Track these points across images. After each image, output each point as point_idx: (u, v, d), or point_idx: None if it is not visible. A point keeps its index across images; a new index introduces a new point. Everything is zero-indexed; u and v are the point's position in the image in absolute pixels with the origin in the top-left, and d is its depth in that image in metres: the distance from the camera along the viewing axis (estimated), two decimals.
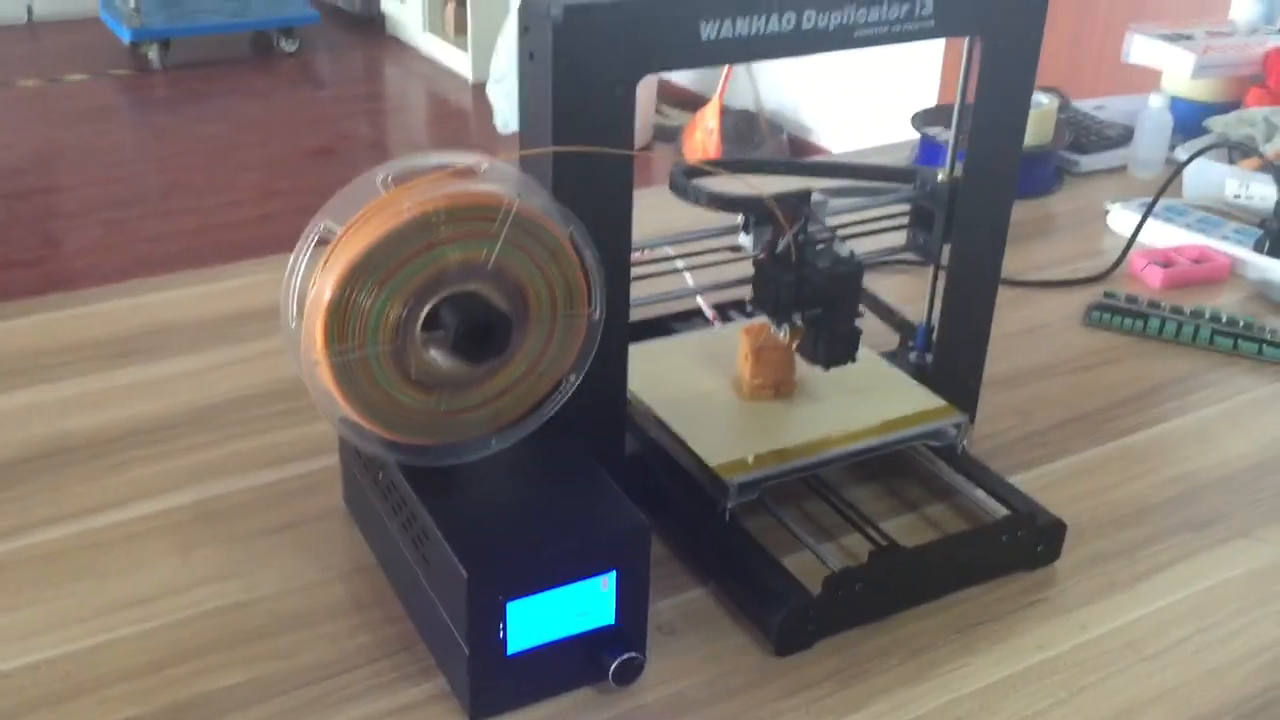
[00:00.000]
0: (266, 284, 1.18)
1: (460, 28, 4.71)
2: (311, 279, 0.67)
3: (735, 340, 0.92)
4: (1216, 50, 1.61)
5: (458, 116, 4.52)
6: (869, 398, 0.91)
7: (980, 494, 0.87)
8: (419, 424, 0.71)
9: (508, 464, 0.75)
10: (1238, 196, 1.42)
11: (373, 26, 5.31)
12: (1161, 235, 1.33)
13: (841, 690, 0.74)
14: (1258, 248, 1.28)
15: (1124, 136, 1.57)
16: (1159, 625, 0.80)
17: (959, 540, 0.83)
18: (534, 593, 0.68)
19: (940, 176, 0.93)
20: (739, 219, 0.89)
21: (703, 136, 3.67)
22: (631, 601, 0.72)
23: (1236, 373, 1.11)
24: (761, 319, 0.88)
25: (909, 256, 0.98)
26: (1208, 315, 1.17)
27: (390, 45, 5.18)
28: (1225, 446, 1.00)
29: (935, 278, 0.97)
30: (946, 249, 0.93)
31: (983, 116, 0.88)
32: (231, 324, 1.11)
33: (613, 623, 0.72)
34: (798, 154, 3.93)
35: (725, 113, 3.70)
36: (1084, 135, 1.56)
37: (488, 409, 0.72)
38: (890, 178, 0.97)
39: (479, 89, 4.44)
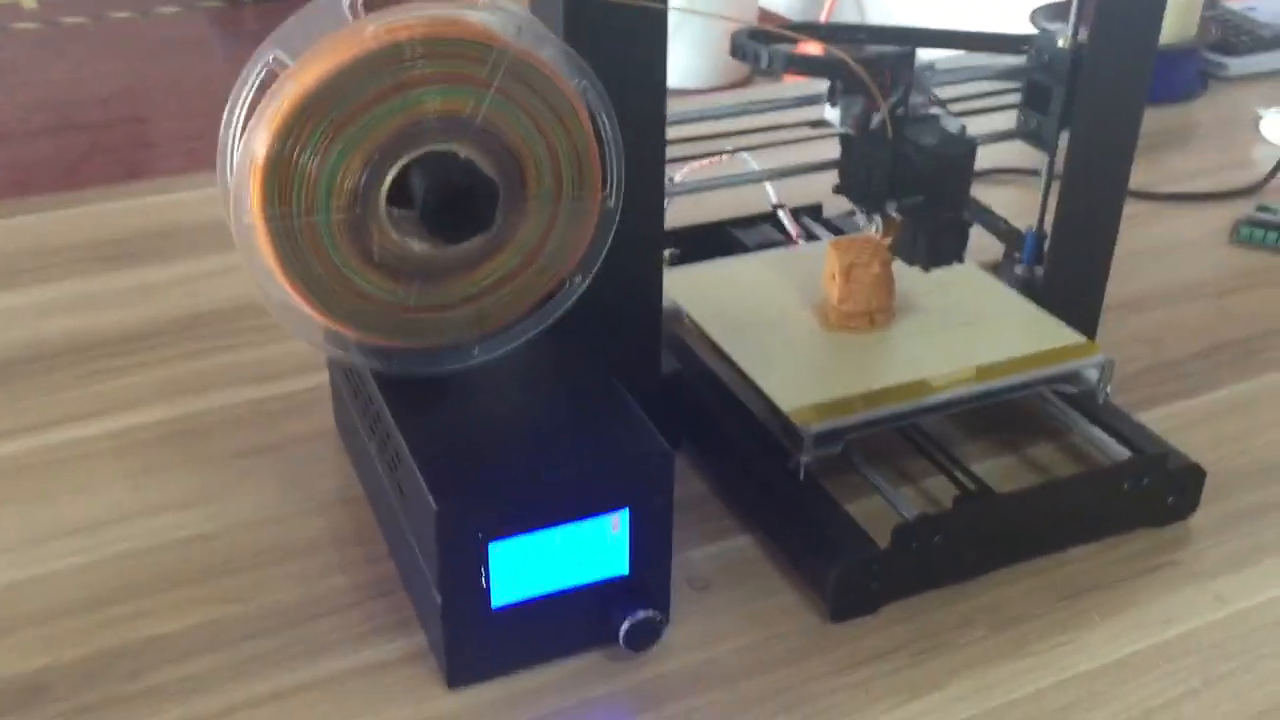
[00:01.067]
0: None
1: None
2: (248, 122, 0.54)
3: (819, 258, 0.76)
4: None
5: None
6: (984, 329, 0.74)
7: (1097, 432, 0.71)
8: (382, 319, 0.57)
9: (505, 378, 0.61)
10: None
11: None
12: None
13: (912, 667, 0.59)
14: None
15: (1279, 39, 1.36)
16: None
17: (1069, 486, 0.67)
18: (524, 532, 0.55)
19: (1061, 42, 0.76)
20: (824, 88, 0.73)
21: None
22: (650, 547, 0.58)
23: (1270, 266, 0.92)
24: (854, 232, 0.72)
25: (1012, 164, 0.81)
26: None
27: None
28: None
29: (1049, 172, 0.80)
30: (1065, 136, 0.77)
31: None
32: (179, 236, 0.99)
33: (626, 573, 0.58)
34: None
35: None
36: (1233, 34, 1.36)
37: (471, 308, 0.58)
38: (1001, 47, 0.80)
39: None
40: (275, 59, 0.54)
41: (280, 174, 0.52)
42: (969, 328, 0.74)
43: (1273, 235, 0.99)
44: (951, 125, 0.70)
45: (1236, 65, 1.33)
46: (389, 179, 0.54)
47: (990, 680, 0.58)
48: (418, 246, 0.56)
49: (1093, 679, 0.58)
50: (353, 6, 0.54)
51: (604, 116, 0.57)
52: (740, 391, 0.69)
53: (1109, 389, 0.72)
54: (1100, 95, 0.75)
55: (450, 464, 0.55)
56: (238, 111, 0.55)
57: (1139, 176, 0.79)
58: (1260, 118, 1.21)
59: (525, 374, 0.62)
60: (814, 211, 0.93)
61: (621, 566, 0.58)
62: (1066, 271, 0.80)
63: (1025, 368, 0.71)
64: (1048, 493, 0.66)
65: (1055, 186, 0.78)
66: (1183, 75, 1.28)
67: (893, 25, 0.85)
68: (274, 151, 0.52)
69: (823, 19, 3.52)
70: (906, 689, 0.58)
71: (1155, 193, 1.07)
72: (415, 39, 0.52)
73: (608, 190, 0.59)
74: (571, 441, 0.57)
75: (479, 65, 0.54)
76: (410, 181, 0.54)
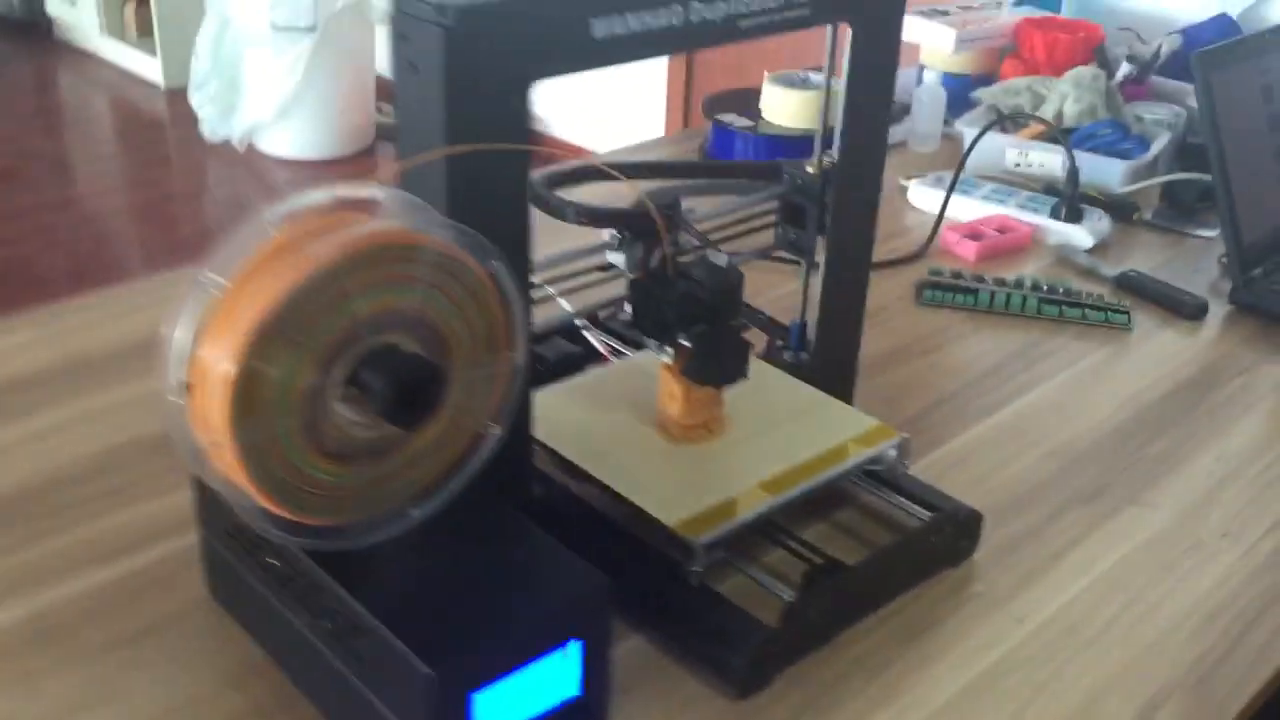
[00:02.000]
0: (34, 343, 1.02)
1: (145, 29, 4.36)
2: (201, 343, 0.56)
3: (632, 375, 0.85)
4: (972, 24, 1.66)
5: (151, 126, 4.19)
6: (799, 424, 0.85)
7: (889, 494, 0.85)
8: (335, 502, 0.61)
9: (422, 532, 0.66)
10: (1018, 165, 1.47)
11: (38, 31, 4.84)
12: (959, 208, 1.36)
13: None
14: (1054, 215, 1.33)
15: (898, 111, 1.60)
16: (1088, 607, 0.80)
17: (899, 547, 0.80)
18: (499, 678, 0.60)
19: (809, 168, 0.90)
20: (608, 235, 0.82)
21: None
22: (595, 668, 0.65)
23: (1067, 339, 1.14)
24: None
25: (782, 254, 0.94)
26: (1029, 284, 1.19)
27: (62, 52, 4.73)
28: (1082, 415, 1.02)
29: (808, 274, 0.94)
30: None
31: (853, 103, 0.86)
32: (5, 395, 0.95)
33: (578, 693, 0.65)
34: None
35: None
36: None
37: (407, 475, 0.63)
38: (755, 175, 0.93)
39: (175, 95, 4.13)
40: (209, 280, 0.57)
41: (245, 391, 0.55)
42: (786, 424, 0.85)
43: (949, 295, 1.18)
44: (719, 259, 0.82)
45: None
46: (339, 378, 0.58)
47: None
48: (363, 433, 0.60)
49: (955, 708, 0.71)
50: (275, 224, 0.58)
51: (510, 286, 0.64)
52: (611, 510, 0.77)
53: (907, 463, 0.86)
54: (847, 205, 0.89)
55: (422, 627, 0.59)
56: (179, 335, 0.56)
57: None
58: (905, 187, 1.42)
59: (433, 525, 0.67)
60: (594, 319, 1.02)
61: (575, 688, 0.64)
62: (830, 353, 0.94)
63: (845, 456, 0.82)
64: (885, 556, 0.78)
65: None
66: None
67: (665, 161, 0.96)
68: (242, 371, 0.54)
69: None
70: None
71: None
72: (357, 252, 0.56)
73: (514, 348, 0.65)
74: (519, 585, 0.63)
75: (405, 263, 0.59)
76: (361, 378, 0.58)
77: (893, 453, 0.84)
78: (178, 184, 3.77)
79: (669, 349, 0.81)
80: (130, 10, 4.46)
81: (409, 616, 0.60)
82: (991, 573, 0.82)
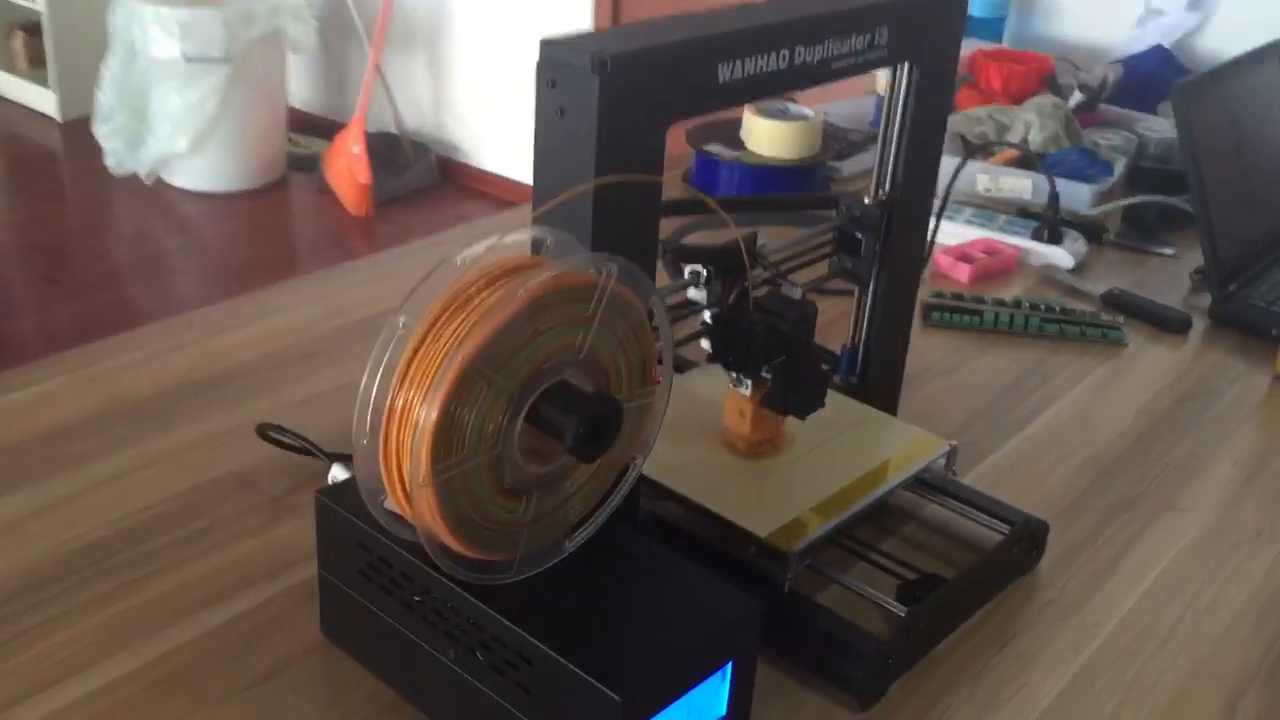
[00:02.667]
0: (64, 390, 1.00)
1: (36, 61, 4.23)
2: (394, 385, 0.57)
3: (680, 394, 0.87)
4: None
5: (46, 160, 4.06)
6: (856, 439, 0.89)
7: (955, 505, 0.89)
8: (507, 537, 0.62)
9: (569, 561, 0.67)
10: (988, 190, 1.54)
11: None
12: (944, 233, 1.42)
13: None
14: (1036, 237, 1.39)
15: (868, 139, 1.66)
16: (1154, 608, 0.85)
17: (989, 560, 0.84)
18: (670, 704, 0.62)
19: (866, 200, 0.94)
20: (688, 273, 0.85)
21: (348, 162, 3.51)
22: (741, 687, 0.67)
23: (1071, 356, 1.20)
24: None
25: (836, 285, 0.98)
26: (1027, 305, 1.25)
27: None
28: (1103, 427, 1.07)
29: (861, 301, 0.97)
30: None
31: (915, 139, 0.90)
32: (55, 445, 0.93)
33: (724, 713, 0.67)
34: (449, 175, 3.85)
35: (365, 136, 3.56)
36: (835, 143, 1.64)
37: (568, 508, 0.65)
38: (816, 206, 0.96)
39: (72, 127, 4.01)
40: (401, 323, 0.58)
41: (445, 434, 0.56)
42: (843, 438, 0.89)
43: (956, 317, 1.23)
44: (793, 292, 0.85)
45: (846, 167, 1.60)
46: (521, 416, 0.59)
47: None
48: (536, 468, 0.61)
49: (1058, 710, 0.75)
50: (463, 263, 0.59)
51: (665, 323, 0.66)
52: (692, 525, 0.80)
53: (955, 469, 0.90)
54: (904, 235, 0.93)
55: (596, 655, 0.61)
56: (378, 377, 0.57)
57: None
58: None
59: (577, 555, 0.68)
60: None
61: (721, 708, 0.67)
62: (879, 378, 0.97)
63: (904, 465, 0.87)
64: (979, 568, 0.82)
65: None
66: (813, 183, 1.53)
67: (734, 197, 0.99)
68: (443, 416, 0.55)
69: (358, 113, 3.58)
70: None
71: None
72: (554, 292, 0.58)
73: (664, 381, 0.67)
74: (677, 611, 0.65)
75: (585, 303, 0.60)
76: (546, 415, 0.59)
77: (942, 461, 0.88)
78: (76, 220, 3.66)
79: (748, 380, 0.84)
80: (19, 41, 4.33)
81: (581, 645, 0.62)
82: (1059, 580, 0.87)
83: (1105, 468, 1.01)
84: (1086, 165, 1.52)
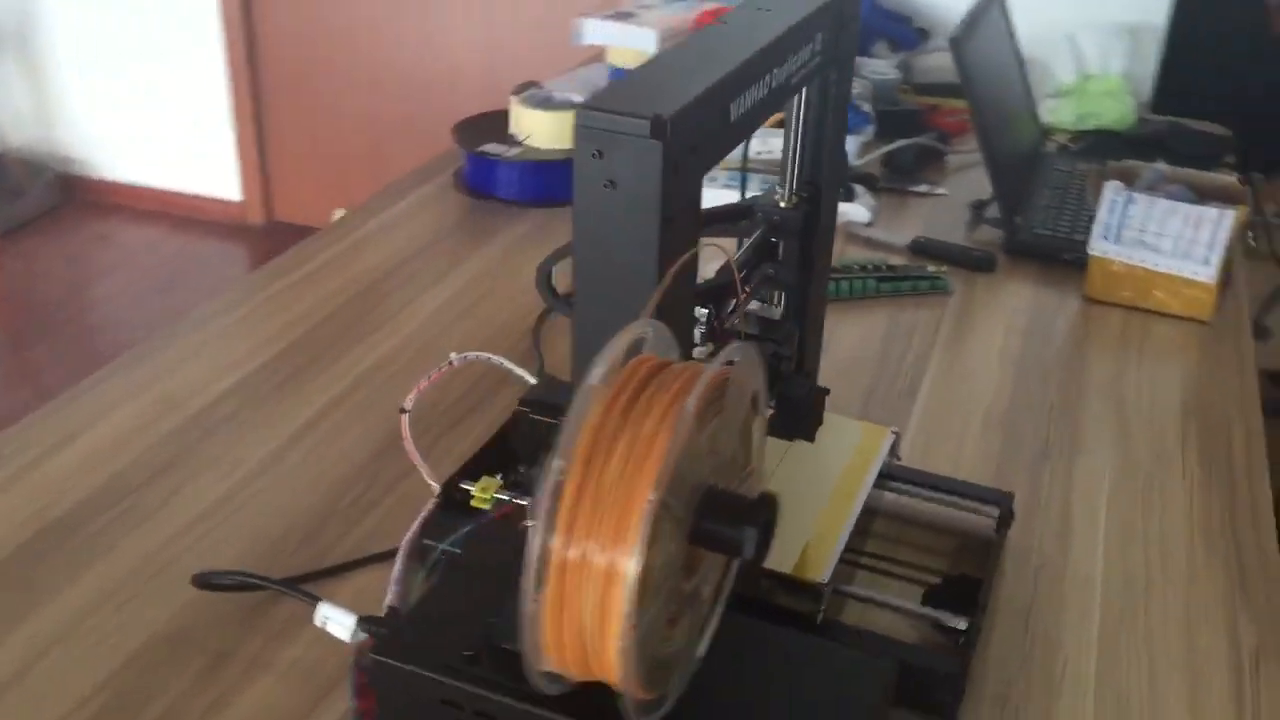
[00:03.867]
0: None
1: None
2: (563, 535, 0.49)
3: None
4: (663, 22, 1.72)
5: None
6: (816, 448, 0.88)
7: (913, 489, 0.90)
8: (665, 667, 0.56)
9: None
10: (759, 153, 1.55)
11: None
12: (727, 200, 1.42)
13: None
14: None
15: None
16: (1121, 555, 0.90)
17: (993, 547, 0.85)
18: None
19: (781, 204, 0.92)
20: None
21: None
22: None
23: (911, 312, 1.24)
24: None
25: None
26: (857, 268, 1.28)
27: None
28: (978, 380, 1.12)
29: (789, 306, 0.95)
30: None
31: (827, 136, 0.88)
32: None
33: None
34: (73, 192, 3.45)
35: None
36: None
37: (696, 615, 0.59)
38: (729, 219, 0.93)
39: None
40: (558, 468, 0.50)
41: (644, 583, 0.49)
42: (796, 448, 0.88)
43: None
44: (772, 312, 0.83)
45: None
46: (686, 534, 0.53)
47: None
48: (687, 587, 0.55)
49: (1105, 688, 0.78)
50: (604, 379, 0.51)
51: (761, 403, 0.61)
52: None
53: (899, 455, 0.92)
54: (821, 231, 0.91)
55: None
56: (541, 536, 0.49)
57: None
58: None
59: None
60: None
61: None
62: (810, 374, 0.96)
63: (868, 461, 0.87)
64: (992, 558, 0.83)
65: None
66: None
67: None
68: (644, 566, 0.48)
69: None
70: None
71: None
72: (711, 397, 0.52)
73: (754, 462, 0.62)
74: (823, 688, 0.61)
75: (721, 401, 0.55)
76: (714, 533, 0.53)
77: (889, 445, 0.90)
78: None
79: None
80: None
81: None
82: (1030, 541, 0.90)
83: (1003, 422, 1.05)
84: (850, 117, 1.56)
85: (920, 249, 1.35)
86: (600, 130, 0.57)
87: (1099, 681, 0.78)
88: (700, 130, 0.61)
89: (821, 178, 0.89)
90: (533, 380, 0.91)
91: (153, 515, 0.88)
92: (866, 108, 1.65)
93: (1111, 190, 1.23)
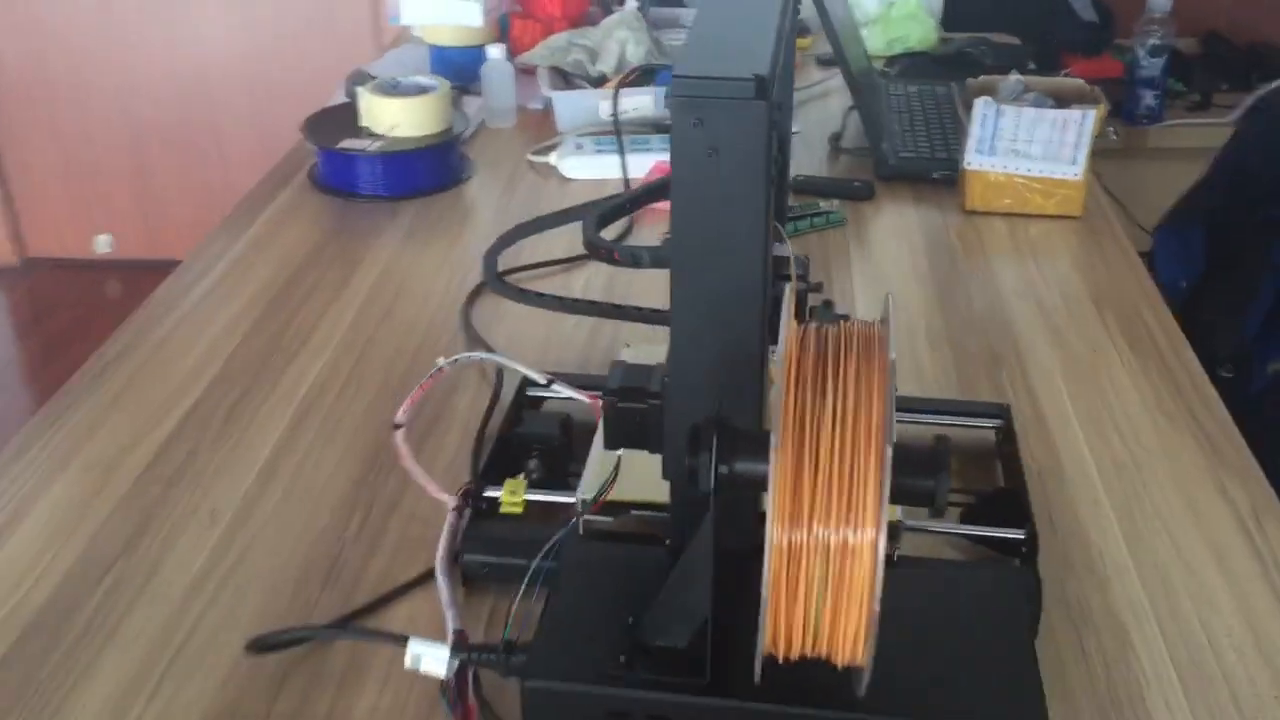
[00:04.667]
0: None
1: None
2: (787, 521, 0.48)
3: None
4: None
5: None
6: None
7: (926, 417, 0.93)
8: None
9: None
10: (625, 112, 1.54)
11: None
12: (609, 167, 1.41)
13: None
14: None
15: (457, 96, 1.58)
16: (1117, 475, 0.95)
17: (1011, 454, 0.88)
18: None
19: None
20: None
21: None
22: None
23: (820, 249, 1.26)
24: None
25: None
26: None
27: None
28: (911, 305, 1.15)
29: None
30: None
31: (784, 74, 0.88)
32: None
33: None
34: None
35: None
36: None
37: None
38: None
39: None
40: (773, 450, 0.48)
41: None
42: None
43: None
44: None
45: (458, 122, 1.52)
46: None
47: None
48: None
49: (1166, 616, 0.83)
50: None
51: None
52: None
53: None
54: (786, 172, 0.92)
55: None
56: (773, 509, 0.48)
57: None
58: (537, 162, 1.44)
59: None
60: None
61: None
62: None
63: None
64: (1014, 470, 0.86)
65: None
66: (454, 156, 1.43)
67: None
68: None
69: None
70: None
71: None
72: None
73: None
74: (982, 616, 0.62)
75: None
76: (909, 486, 0.53)
77: None
78: None
79: None
80: None
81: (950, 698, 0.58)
82: (1019, 447, 0.94)
83: (947, 339, 1.09)
84: None
85: (803, 186, 1.38)
86: (700, 98, 0.56)
87: (1136, 561, 0.82)
88: (778, 88, 0.60)
89: (782, 118, 0.90)
90: (538, 377, 0.87)
91: (146, 586, 0.81)
92: None
93: (981, 105, 1.28)
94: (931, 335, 1.10)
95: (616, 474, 0.70)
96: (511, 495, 0.81)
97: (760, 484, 0.54)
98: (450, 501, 0.84)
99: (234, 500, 0.88)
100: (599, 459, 0.78)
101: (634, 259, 0.77)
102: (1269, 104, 1.67)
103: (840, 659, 0.51)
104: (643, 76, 1.53)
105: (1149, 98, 2.17)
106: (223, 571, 0.82)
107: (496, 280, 0.97)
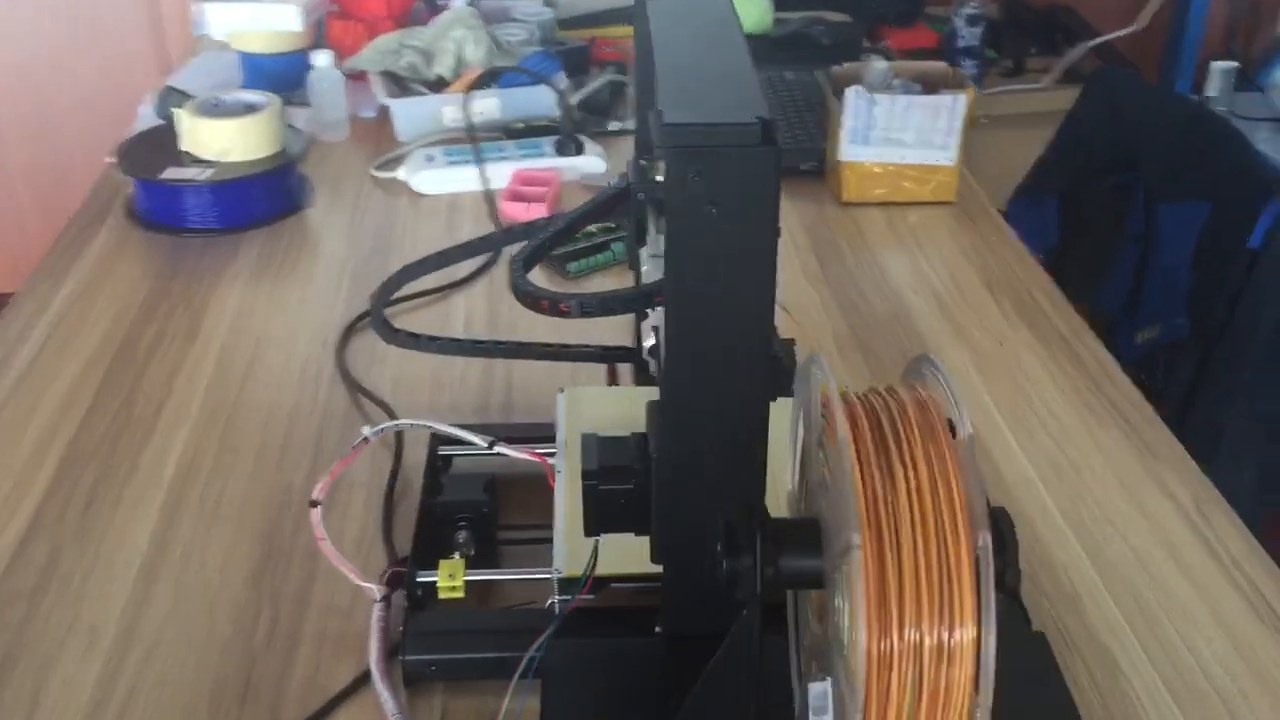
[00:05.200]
0: None
1: None
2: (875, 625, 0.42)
3: None
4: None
5: None
6: None
7: None
8: None
9: None
10: (457, 121, 1.44)
11: None
12: (465, 179, 1.32)
13: None
14: (562, 153, 1.35)
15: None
16: (1068, 427, 0.93)
17: None
18: None
19: (653, 173, 0.84)
20: None
21: None
22: None
23: None
24: None
25: None
26: (599, 231, 1.21)
27: None
28: (804, 302, 1.11)
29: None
30: None
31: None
32: None
33: None
34: None
35: None
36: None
37: None
38: (613, 206, 0.84)
39: None
40: (852, 543, 0.42)
41: None
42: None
43: (593, 259, 1.16)
44: None
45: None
46: None
47: None
48: None
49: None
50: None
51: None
52: None
53: None
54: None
55: None
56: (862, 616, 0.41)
57: None
58: (384, 177, 1.33)
59: None
60: None
61: None
62: None
63: None
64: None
65: None
66: (293, 179, 1.31)
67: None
68: None
69: None
70: None
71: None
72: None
73: None
74: None
75: None
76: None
77: None
78: None
79: None
80: None
81: None
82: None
83: (854, 342, 1.06)
84: (544, 66, 1.48)
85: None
86: (699, 147, 0.49)
87: (1103, 577, 0.80)
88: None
89: None
90: (482, 443, 0.78)
91: None
92: (529, 50, 1.57)
93: (854, 95, 1.25)
94: (840, 342, 1.06)
95: (596, 554, 0.63)
96: (450, 579, 0.73)
97: (814, 582, 0.48)
98: (375, 591, 0.75)
99: (114, 612, 0.77)
100: (567, 527, 0.71)
101: (582, 309, 0.70)
102: (1104, 76, 1.70)
103: None
104: (486, 78, 1.44)
105: (970, 67, 2.19)
106: (118, 703, 0.70)
107: (388, 330, 0.88)
